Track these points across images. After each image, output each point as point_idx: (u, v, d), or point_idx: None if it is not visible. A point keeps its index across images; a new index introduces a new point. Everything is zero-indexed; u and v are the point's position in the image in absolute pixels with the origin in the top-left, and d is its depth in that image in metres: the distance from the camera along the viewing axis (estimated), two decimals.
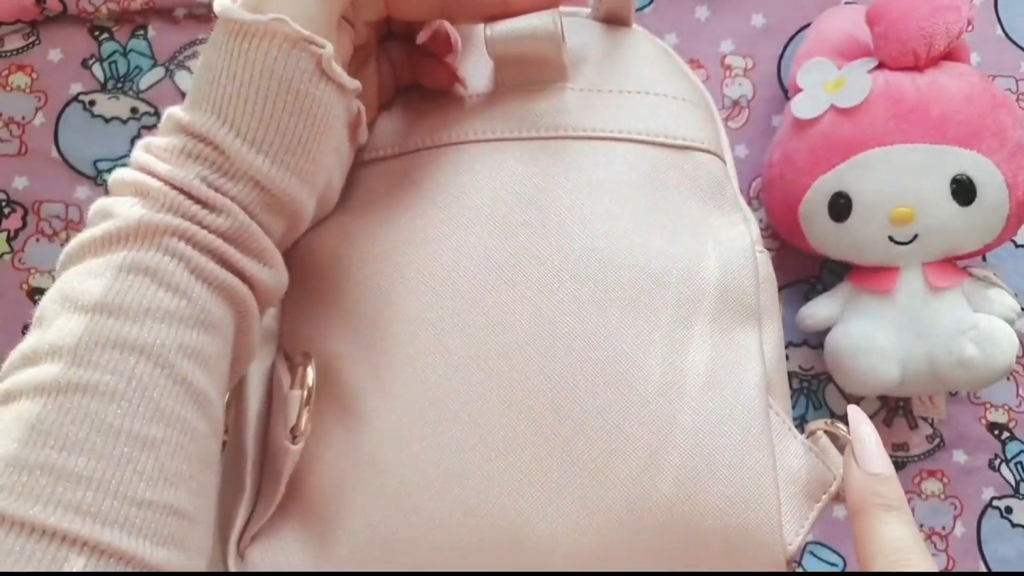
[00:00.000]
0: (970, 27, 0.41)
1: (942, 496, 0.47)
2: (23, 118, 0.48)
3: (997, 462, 0.47)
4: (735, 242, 0.33)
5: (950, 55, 0.42)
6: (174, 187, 0.27)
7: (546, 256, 0.31)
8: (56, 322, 0.26)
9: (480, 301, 0.31)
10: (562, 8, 0.33)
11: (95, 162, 0.48)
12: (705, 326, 0.32)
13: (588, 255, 0.31)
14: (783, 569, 0.31)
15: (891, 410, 0.47)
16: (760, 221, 0.48)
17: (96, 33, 0.48)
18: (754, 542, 0.31)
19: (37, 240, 0.47)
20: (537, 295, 0.31)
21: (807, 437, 0.33)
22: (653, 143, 0.33)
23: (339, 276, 0.32)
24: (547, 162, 0.32)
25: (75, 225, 0.47)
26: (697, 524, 0.30)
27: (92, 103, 0.48)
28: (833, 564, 0.46)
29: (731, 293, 0.32)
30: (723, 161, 0.36)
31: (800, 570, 0.47)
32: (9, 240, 0.48)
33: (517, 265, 0.31)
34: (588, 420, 0.30)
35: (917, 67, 0.41)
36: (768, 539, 0.31)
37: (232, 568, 0.31)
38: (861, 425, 0.32)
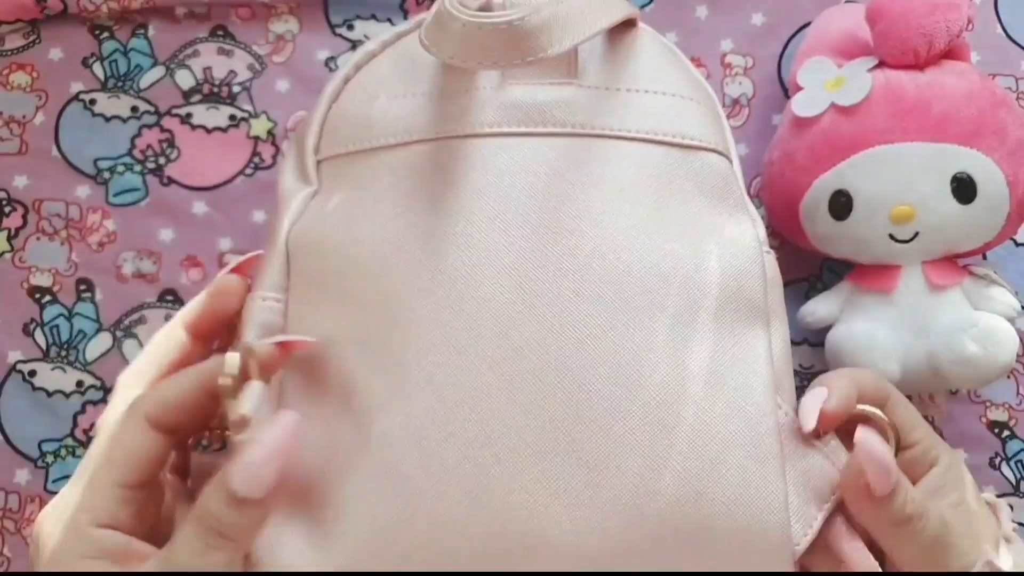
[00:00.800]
0: (970, 26, 0.41)
1: None
2: (23, 117, 0.48)
3: (997, 460, 0.47)
4: (742, 242, 0.33)
5: (950, 54, 0.42)
6: None
7: (557, 256, 0.31)
8: None
9: (490, 300, 0.31)
10: None
11: (95, 161, 0.48)
12: (710, 326, 0.32)
13: (599, 256, 0.31)
14: (791, 570, 0.31)
15: None
16: (761, 219, 0.48)
17: (96, 32, 0.48)
18: (762, 543, 0.31)
19: (38, 239, 0.47)
20: (548, 295, 0.31)
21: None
22: (661, 142, 0.33)
23: (345, 273, 0.32)
24: (557, 160, 0.32)
25: (75, 223, 0.47)
26: (705, 524, 0.30)
27: (92, 102, 0.48)
28: None
29: (738, 293, 0.32)
30: (730, 161, 0.36)
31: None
32: (10, 239, 0.48)
33: (528, 265, 0.31)
34: (596, 420, 0.30)
35: (917, 65, 0.41)
36: (776, 540, 0.31)
37: None
38: (875, 450, 0.31)
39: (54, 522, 0.31)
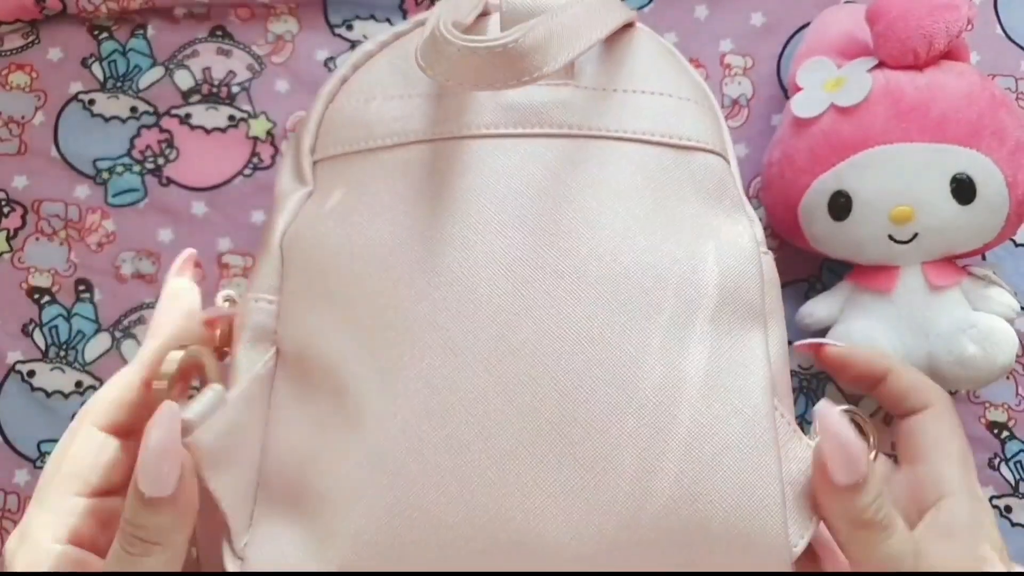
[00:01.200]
0: (970, 26, 0.41)
1: None
2: (23, 117, 0.48)
3: (996, 461, 0.47)
4: (739, 243, 0.33)
5: (950, 54, 0.42)
6: None
7: (554, 258, 0.31)
8: None
9: (487, 303, 0.31)
10: None
11: (94, 161, 0.48)
12: (707, 327, 0.32)
13: (596, 257, 0.31)
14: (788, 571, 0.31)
15: None
16: (760, 220, 0.48)
17: (95, 32, 0.48)
18: (759, 545, 0.31)
19: (37, 239, 0.48)
20: (545, 297, 0.31)
21: (812, 438, 0.33)
22: (658, 143, 0.33)
23: (340, 274, 0.32)
24: (554, 161, 0.32)
25: (74, 224, 0.47)
26: (702, 526, 0.30)
27: (92, 102, 0.48)
28: None
29: (735, 294, 0.32)
30: (727, 162, 0.36)
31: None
32: (9, 239, 0.48)
33: (525, 267, 0.31)
34: (591, 422, 0.30)
35: (917, 66, 0.41)
36: (774, 542, 0.31)
37: (230, 569, 0.31)
38: (836, 428, 0.30)
39: (17, 543, 0.30)
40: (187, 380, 0.32)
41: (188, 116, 0.48)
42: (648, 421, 0.30)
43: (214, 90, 0.48)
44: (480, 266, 0.31)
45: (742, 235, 0.34)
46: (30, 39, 0.48)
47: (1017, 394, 0.47)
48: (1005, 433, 0.47)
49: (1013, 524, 0.47)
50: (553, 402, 0.30)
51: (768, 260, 0.35)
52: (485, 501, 0.30)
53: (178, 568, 0.29)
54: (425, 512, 0.30)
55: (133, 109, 0.48)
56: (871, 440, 0.35)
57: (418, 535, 0.30)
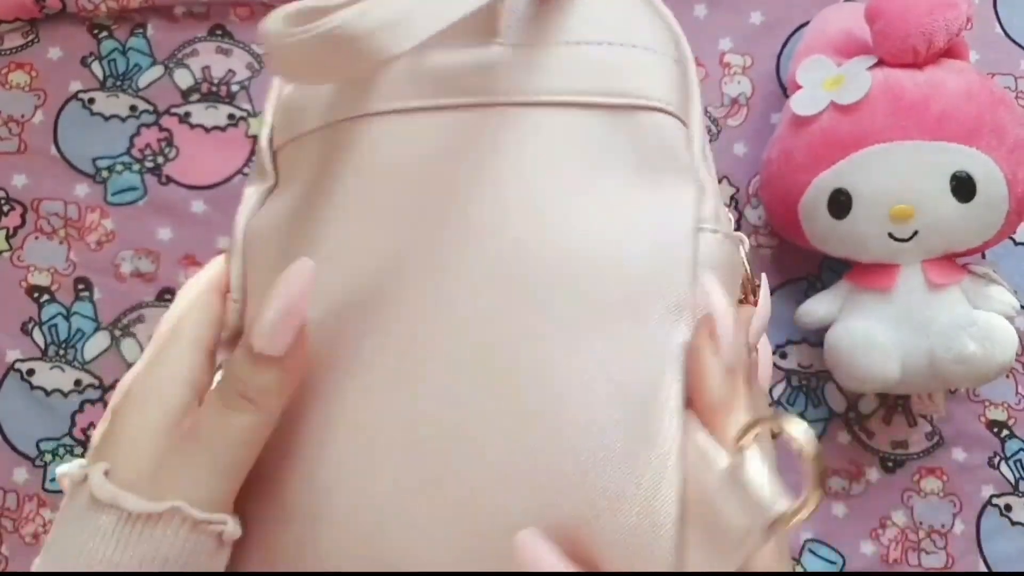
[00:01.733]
0: (969, 25, 0.41)
1: (941, 494, 0.47)
2: (22, 116, 0.48)
3: (996, 460, 0.47)
4: (672, 220, 0.29)
5: (949, 52, 0.42)
6: None
7: (451, 240, 0.28)
8: None
9: (375, 301, 0.28)
10: None
11: (94, 160, 0.48)
12: (612, 320, 0.27)
13: (507, 249, 0.27)
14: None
15: (890, 408, 0.47)
16: (759, 218, 0.48)
17: (95, 31, 0.48)
18: (650, 536, 0.25)
19: (36, 238, 0.47)
20: (426, 290, 0.27)
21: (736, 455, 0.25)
22: (593, 105, 0.29)
23: (257, 267, 0.31)
24: (465, 138, 0.29)
25: (74, 223, 0.47)
26: (587, 523, 0.26)
27: (91, 101, 0.48)
28: (833, 563, 0.46)
29: (656, 280, 0.27)
30: (682, 122, 0.30)
31: (800, 569, 0.47)
32: (8, 238, 0.48)
33: (413, 250, 0.28)
34: (471, 432, 0.26)
35: (916, 64, 0.41)
36: (665, 533, 0.25)
37: None
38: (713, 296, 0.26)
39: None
40: None
41: (188, 115, 0.48)
42: (528, 413, 0.26)
43: (214, 89, 0.48)
44: (358, 255, 0.28)
45: (677, 210, 0.29)
46: (30, 38, 0.49)
47: (1017, 392, 0.47)
48: (1005, 432, 0.47)
49: (1013, 523, 0.47)
50: (427, 389, 0.27)
51: (711, 240, 0.29)
52: (340, 500, 0.27)
53: (265, 434, 0.27)
54: (274, 501, 0.28)
55: (133, 108, 0.48)
56: (812, 469, 0.22)
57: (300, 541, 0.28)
